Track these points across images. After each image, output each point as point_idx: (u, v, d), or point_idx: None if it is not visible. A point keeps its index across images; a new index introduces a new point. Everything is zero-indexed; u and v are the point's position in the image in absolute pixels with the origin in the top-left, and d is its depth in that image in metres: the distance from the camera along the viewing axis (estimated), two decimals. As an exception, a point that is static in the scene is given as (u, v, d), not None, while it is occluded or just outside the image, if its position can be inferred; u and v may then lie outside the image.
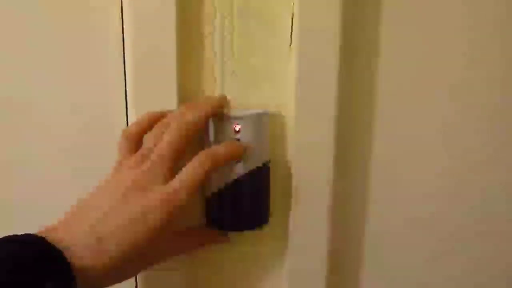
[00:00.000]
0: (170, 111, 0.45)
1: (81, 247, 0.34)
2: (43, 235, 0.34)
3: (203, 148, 0.46)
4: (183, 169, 0.41)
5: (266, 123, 0.49)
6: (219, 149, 0.44)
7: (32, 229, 0.35)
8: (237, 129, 0.46)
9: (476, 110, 0.53)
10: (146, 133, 0.44)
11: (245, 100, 0.50)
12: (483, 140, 0.54)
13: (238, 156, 0.46)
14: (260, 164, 0.48)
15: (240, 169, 0.47)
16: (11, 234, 0.34)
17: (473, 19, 0.51)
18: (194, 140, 0.49)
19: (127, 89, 0.48)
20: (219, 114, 0.47)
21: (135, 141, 0.44)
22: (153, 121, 0.45)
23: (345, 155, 0.52)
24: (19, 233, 0.34)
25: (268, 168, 0.50)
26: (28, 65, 0.49)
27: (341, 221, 0.54)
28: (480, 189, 0.55)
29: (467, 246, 0.57)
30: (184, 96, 0.48)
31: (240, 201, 0.48)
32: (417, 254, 0.57)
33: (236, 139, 0.46)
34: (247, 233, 0.52)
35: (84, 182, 0.41)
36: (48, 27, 0.48)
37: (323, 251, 0.52)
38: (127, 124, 0.49)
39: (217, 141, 0.47)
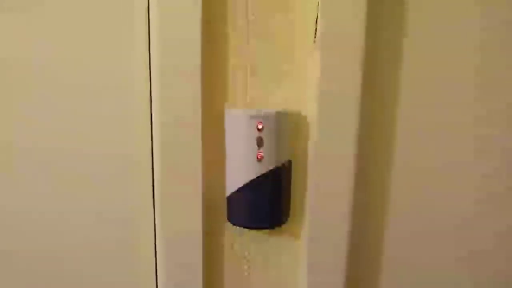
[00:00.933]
0: None
1: None
2: None
3: (224, 147, 0.47)
4: None
5: (289, 121, 0.49)
6: None
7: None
8: (259, 127, 0.46)
9: (500, 120, 0.52)
10: None
11: (265, 100, 0.50)
12: (504, 147, 0.53)
13: None
14: (280, 164, 0.48)
15: (261, 168, 0.47)
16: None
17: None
18: (217, 136, 0.49)
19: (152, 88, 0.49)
20: (240, 112, 0.47)
21: None
22: None
23: (366, 155, 0.51)
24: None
25: (289, 168, 0.50)
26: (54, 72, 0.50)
27: (361, 221, 0.53)
28: (502, 199, 0.54)
29: (485, 253, 0.56)
30: (208, 94, 0.49)
31: (260, 200, 0.49)
32: (436, 260, 0.56)
33: (258, 137, 0.47)
34: (266, 231, 0.53)
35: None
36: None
37: (342, 252, 0.51)
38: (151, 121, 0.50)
39: (238, 140, 0.48)
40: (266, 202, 0.49)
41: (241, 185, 0.48)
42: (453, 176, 0.54)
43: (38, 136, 0.52)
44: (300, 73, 0.50)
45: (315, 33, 0.48)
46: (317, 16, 0.47)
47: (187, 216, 0.50)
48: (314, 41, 0.48)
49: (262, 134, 0.47)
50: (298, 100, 0.50)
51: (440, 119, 0.52)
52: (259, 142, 0.47)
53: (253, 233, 0.53)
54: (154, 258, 0.54)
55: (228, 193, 0.50)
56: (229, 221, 0.51)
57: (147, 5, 0.48)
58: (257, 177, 0.48)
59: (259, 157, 0.47)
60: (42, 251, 0.55)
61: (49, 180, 0.53)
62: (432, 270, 0.57)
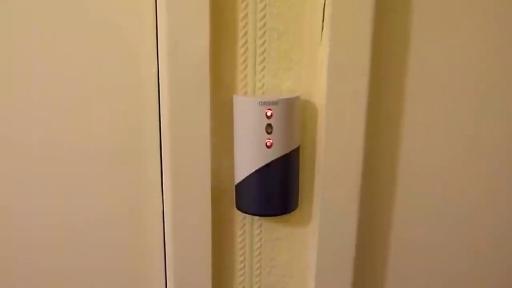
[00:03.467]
0: None
1: None
2: None
3: (232, 134, 0.47)
4: None
5: (298, 108, 0.49)
6: None
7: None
8: (268, 114, 0.46)
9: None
10: None
11: (275, 86, 0.50)
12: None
13: None
14: (290, 150, 0.48)
15: (270, 155, 0.47)
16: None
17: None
18: (225, 124, 0.50)
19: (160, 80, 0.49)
20: (249, 99, 0.47)
21: None
22: None
23: (375, 141, 0.52)
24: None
25: (298, 154, 0.50)
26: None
27: (371, 206, 0.54)
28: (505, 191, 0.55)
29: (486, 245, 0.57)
30: (216, 81, 0.49)
31: (269, 187, 0.49)
32: (444, 243, 0.57)
33: (267, 124, 0.47)
34: (276, 219, 0.53)
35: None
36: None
37: (351, 238, 0.52)
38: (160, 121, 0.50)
39: (247, 126, 0.48)
40: (275, 189, 0.49)
41: (250, 172, 0.48)
42: (461, 156, 0.54)
43: (41, 129, 0.51)
44: (310, 61, 0.49)
45: (323, 21, 0.48)
46: (324, 3, 0.47)
47: (195, 204, 0.50)
48: (322, 28, 0.48)
49: (271, 121, 0.47)
50: (308, 88, 0.50)
51: (447, 102, 0.52)
52: (268, 129, 0.47)
53: (263, 220, 0.53)
54: (163, 247, 0.54)
55: (237, 181, 0.50)
56: (238, 209, 0.51)
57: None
58: (267, 164, 0.48)
59: (268, 144, 0.47)
60: (42, 244, 0.55)
61: (53, 173, 0.52)
62: (440, 252, 0.57)
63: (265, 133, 0.47)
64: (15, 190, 0.53)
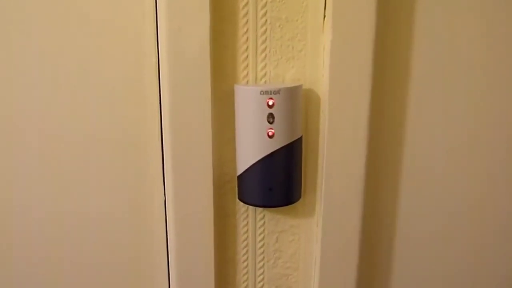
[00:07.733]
0: None
1: None
2: None
3: (234, 124, 0.46)
4: None
5: (300, 97, 0.48)
6: None
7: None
8: (270, 103, 0.45)
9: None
10: None
11: (278, 76, 0.49)
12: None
13: None
14: (292, 140, 0.48)
15: (272, 145, 0.47)
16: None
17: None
18: (227, 114, 0.49)
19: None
20: (251, 88, 0.46)
21: None
22: None
23: (378, 131, 0.51)
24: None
25: (301, 144, 0.49)
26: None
27: (375, 196, 0.53)
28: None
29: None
30: (217, 71, 0.48)
31: (272, 178, 0.48)
32: (449, 236, 0.56)
33: (269, 113, 0.46)
34: (279, 210, 0.52)
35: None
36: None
37: (356, 228, 0.51)
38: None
39: (248, 116, 0.47)
40: (278, 180, 0.48)
41: (252, 163, 0.48)
42: (464, 149, 0.53)
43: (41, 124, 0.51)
44: (313, 50, 0.49)
45: (324, 9, 0.47)
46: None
47: (197, 195, 0.50)
48: (324, 16, 0.48)
49: (273, 110, 0.46)
50: (311, 77, 0.49)
51: (451, 94, 0.51)
52: (270, 119, 0.46)
53: (266, 212, 0.53)
54: (165, 239, 0.53)
55: (239, 172, 0.50)
56: (240, 200, 0.51)
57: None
58: (268, 155, 0.47)
59: (270, 134, 0.46)
60: (43, 237, 0.55)
61: (54, 167, 0.52)
62: (445, 246, 0.56)
63: (267, 123, 0.46)
64: (15, 186, 0.53)
